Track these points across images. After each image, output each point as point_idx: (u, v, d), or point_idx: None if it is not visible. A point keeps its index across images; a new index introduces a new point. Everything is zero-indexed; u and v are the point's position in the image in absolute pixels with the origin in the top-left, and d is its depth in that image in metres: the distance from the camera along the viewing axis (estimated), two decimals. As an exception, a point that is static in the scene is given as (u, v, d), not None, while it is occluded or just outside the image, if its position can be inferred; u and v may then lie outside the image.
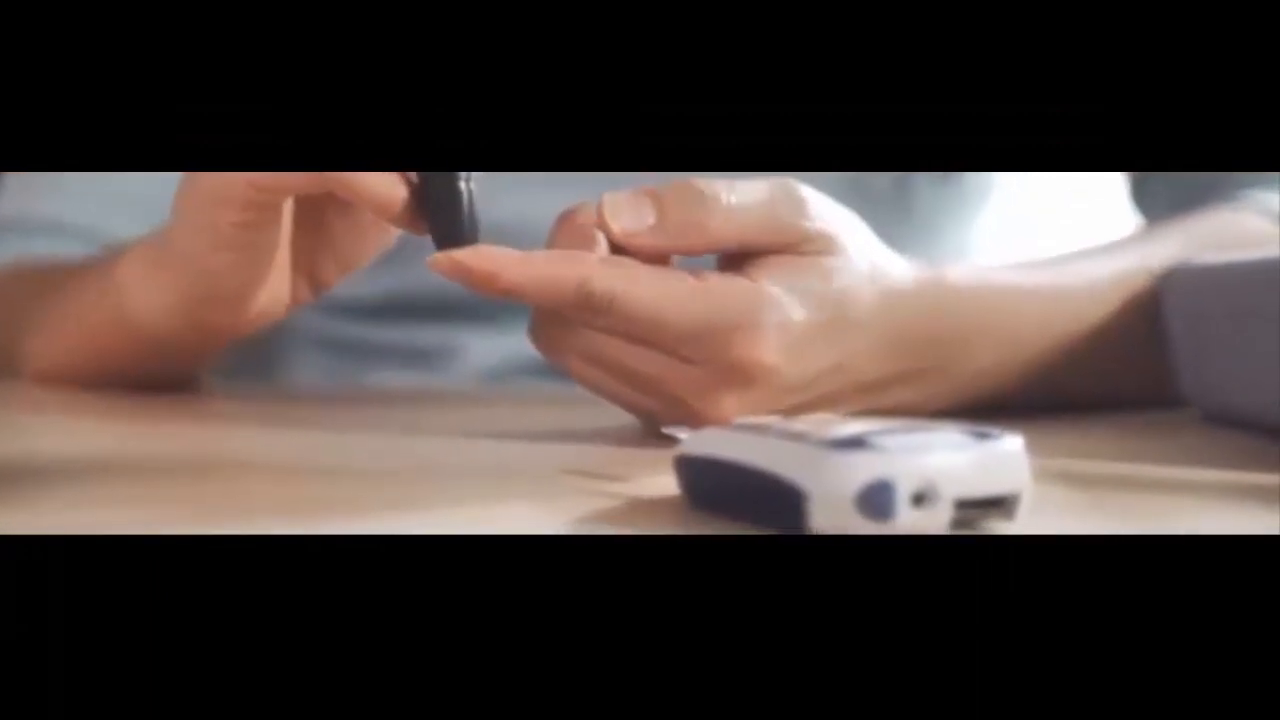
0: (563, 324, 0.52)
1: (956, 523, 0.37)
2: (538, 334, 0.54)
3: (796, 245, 0.52)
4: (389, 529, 0.38)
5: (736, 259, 0.53)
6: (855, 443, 0.37)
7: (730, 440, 0.40)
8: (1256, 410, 0.56)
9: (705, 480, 0.41)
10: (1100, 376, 0.63)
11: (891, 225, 0.60)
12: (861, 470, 0.36)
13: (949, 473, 0.37)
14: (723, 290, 0.51)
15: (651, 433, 0.54)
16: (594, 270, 0.50)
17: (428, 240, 0.88)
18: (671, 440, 0.43)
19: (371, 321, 0.88)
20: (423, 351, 0.87)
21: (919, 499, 0.37)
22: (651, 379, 0.52)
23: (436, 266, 0.51)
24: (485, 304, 0.85)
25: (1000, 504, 0.38)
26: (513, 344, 0.82)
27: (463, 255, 0.51)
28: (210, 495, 0.45)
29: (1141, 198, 0.84)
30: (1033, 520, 0.39)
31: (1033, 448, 0.40)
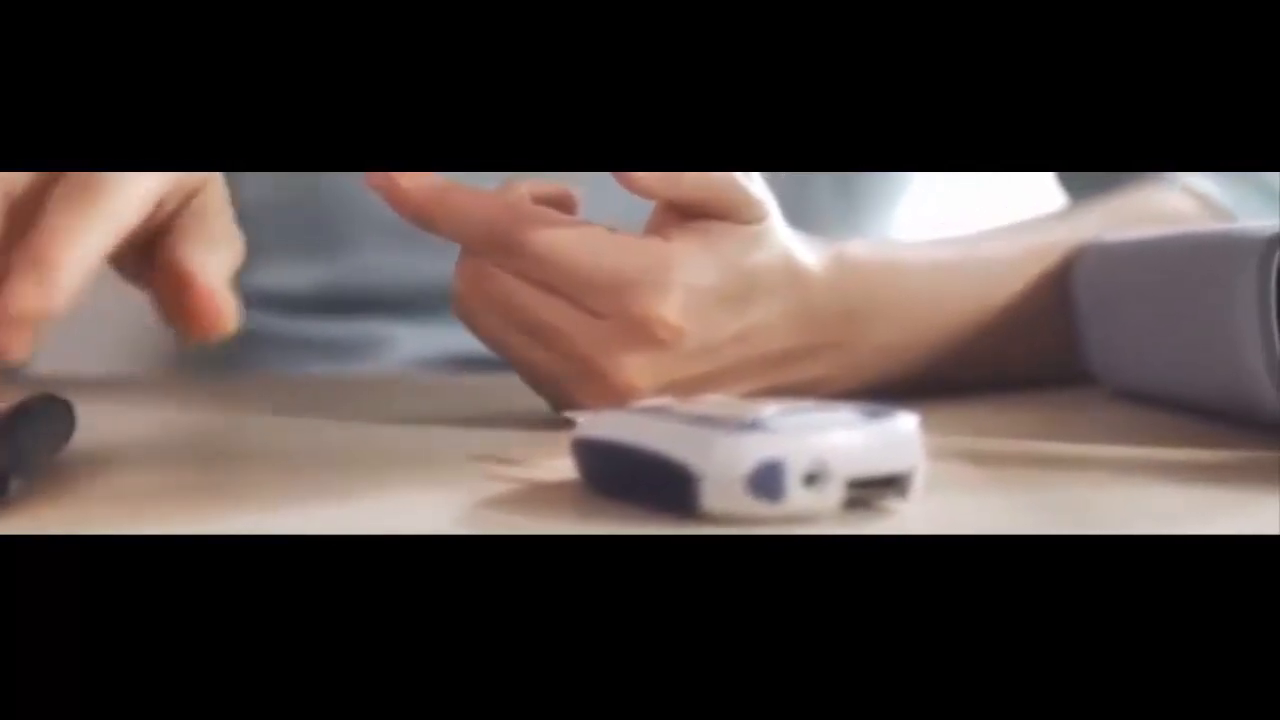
0: (480, 274, 0.53)
1: (849, 502, 0.38)
2: (456, 288, 0.54)
3: (736, 211, 0.53)
4: (289, 521, 0.38)
5: (664, 223, 0.53)
6: (746, 424, 0.37)
7: (625, 423, 0.40)
8: (1162, 387, 0.57)
9: (601, 463, 0.41)
10: (1007, 353, 0.63)
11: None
12: (752, 451, 0.37)
13: (840, 452, 0.37)
14: (635, 245, 0.52)
15: (556, 414, 0.54)
16: (509, 208, 0.52)
17: (354, 235, 0.87)
18: (574, 424, 0.43)
19: (298, 314, 0.88)
20: (349, 344, 0.86)
21: (810, 479, 0.37)
22: (558, 331, 0.52)
23: (372, 183, 0.52)
24: (412, 297, 0.84)
25: (893, 482, 0.38)
26: (438, 338, 0.82)
27: (396, 176, 0.51)
28: (121, 487, 0.45)
29: (1066, 177, 0.84)
30: (929, 498, 0.39)
31: (937, 425, 0.40)
